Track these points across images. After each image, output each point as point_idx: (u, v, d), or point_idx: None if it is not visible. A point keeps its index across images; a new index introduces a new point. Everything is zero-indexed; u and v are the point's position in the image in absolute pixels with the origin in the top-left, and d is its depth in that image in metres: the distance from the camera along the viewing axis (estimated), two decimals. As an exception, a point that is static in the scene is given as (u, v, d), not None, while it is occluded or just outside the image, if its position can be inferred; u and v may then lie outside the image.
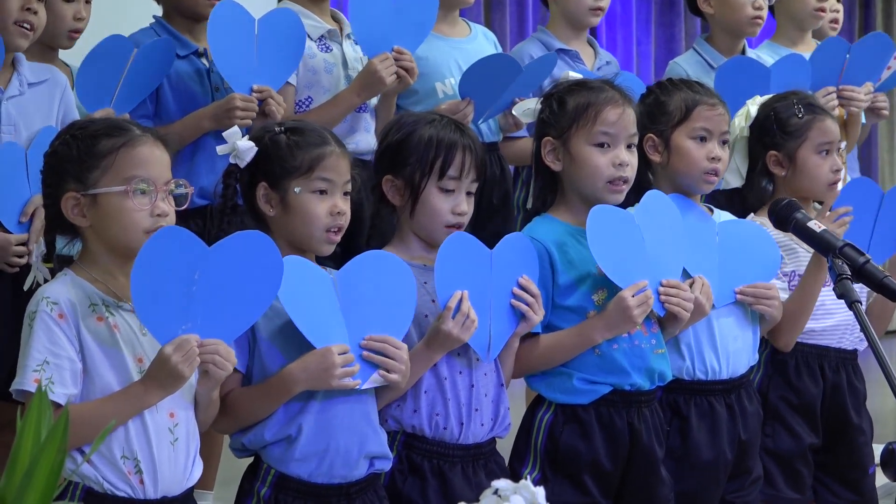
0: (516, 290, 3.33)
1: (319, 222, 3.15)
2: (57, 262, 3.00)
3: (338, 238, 3.18)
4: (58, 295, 2.86)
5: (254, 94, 4.03)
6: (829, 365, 3.96)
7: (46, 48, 4.13)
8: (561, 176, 3.53)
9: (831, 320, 3.95)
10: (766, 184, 4.03)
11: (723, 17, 4.95)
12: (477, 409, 3.30)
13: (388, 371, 3.09)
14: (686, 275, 3.58)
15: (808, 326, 3.91)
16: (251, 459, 3.15)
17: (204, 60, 4.21)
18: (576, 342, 3.42)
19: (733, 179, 4.09)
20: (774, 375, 3.92)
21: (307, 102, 4.28)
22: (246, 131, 3.91)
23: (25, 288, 3.12)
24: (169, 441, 2.89)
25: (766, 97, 4.12)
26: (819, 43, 5.03)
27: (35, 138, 3.79)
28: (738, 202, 4.06)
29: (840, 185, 4.02)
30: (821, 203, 4.01)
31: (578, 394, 3.44)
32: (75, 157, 2.91)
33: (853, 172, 5.12)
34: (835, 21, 5.30)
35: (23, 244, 3.72)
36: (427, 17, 4.30)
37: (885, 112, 4.99)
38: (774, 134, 4.02)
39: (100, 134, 2.92)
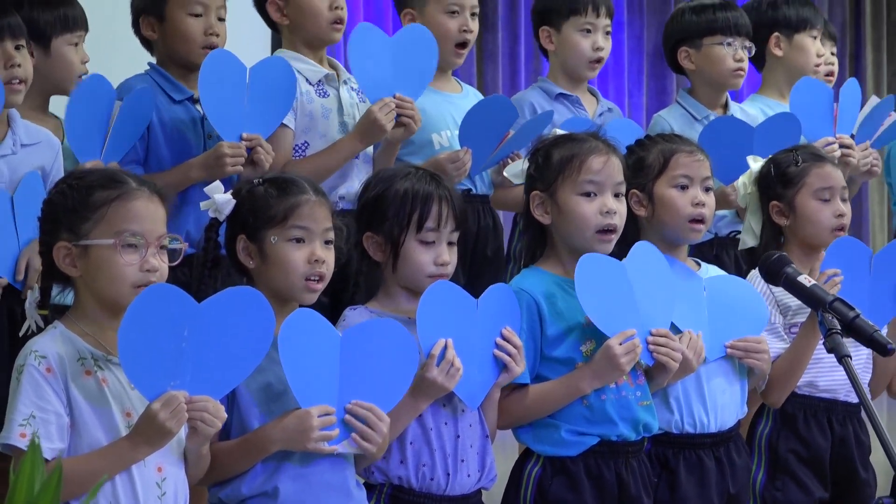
0: (499, 341, 3.33)
1: (297, 270, 3.14)
2: (51, 312, 3.00)
3: (319, 287, 3.17)
4: (46, 349, 2.85)
5: (243, 143, 4.03)
6: (837, 418, 3.95)
7: (46, 96, 4.14)
8: (550, 229, 3.54)
9: (839, 374, 3.93)
10: (775, 236, 4.02)
11: (704, 72, 4.90)
12: (463, 460, 3.29)
13: (365, 440, 3.07)
14: (675, 330, 3.58)
15: (815, 382, 3.91)
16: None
17: (198, 107, 4.20)
18: (564, 392, 3.43)
19: (749, 239, 4.09)
20: (783, 428, 3.91)
21: (304, 147, 4.26)
22: (236, 179, 3.93)
23: (21, 334, 3.10)
24: (157, 495, 2.88)
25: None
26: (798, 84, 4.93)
27: (19, 184, 3.79)
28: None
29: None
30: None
31: (566, 446, 3.44)
32: (69, 207, 2.92)
33: None
34: (830, 74, 5.27)
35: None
36: (427, 65, 4.31)
37: (877, 171, 4.98)
38: (775, 184, 4.03)
39: (95, 185, 2.93)
